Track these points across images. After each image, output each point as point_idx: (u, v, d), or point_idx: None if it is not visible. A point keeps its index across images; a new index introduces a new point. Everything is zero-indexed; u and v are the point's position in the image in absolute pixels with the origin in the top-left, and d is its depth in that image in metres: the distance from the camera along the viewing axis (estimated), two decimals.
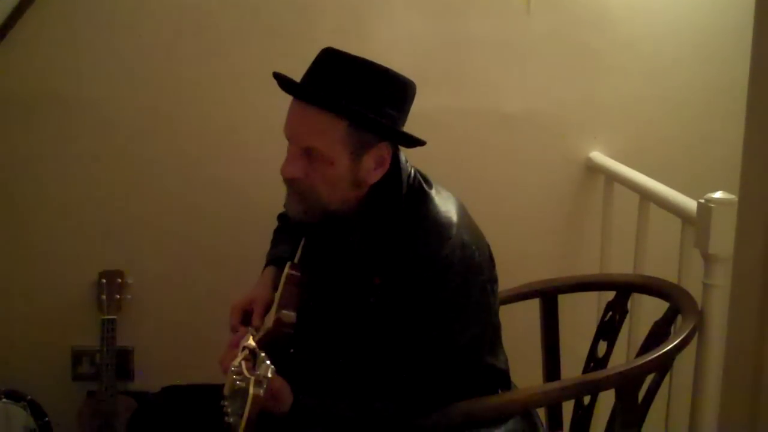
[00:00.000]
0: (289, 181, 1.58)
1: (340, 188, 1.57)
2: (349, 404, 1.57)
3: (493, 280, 1.67)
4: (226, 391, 1.47)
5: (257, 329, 1.65)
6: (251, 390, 1.33)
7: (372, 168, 1.57)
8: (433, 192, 1.64)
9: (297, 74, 1.60)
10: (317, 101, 1.53)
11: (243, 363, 1.41)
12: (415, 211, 1.60)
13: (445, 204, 1.63)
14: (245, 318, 1.71)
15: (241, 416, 1.34)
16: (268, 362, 1.37)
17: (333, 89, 1.52)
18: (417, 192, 1.62)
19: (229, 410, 1.43)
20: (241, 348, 1.48)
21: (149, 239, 2.50)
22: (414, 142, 1.60)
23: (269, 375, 1.35)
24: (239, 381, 1.38)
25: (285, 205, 1.64)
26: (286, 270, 1.68)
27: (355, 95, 1.52)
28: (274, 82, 1.61)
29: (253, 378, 1.34)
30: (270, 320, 1.64)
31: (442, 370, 1.58)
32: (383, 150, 1.57)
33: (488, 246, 1.68)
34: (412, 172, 1.65)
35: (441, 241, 1.56)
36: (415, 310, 1.55)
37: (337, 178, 1.55)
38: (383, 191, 1.60)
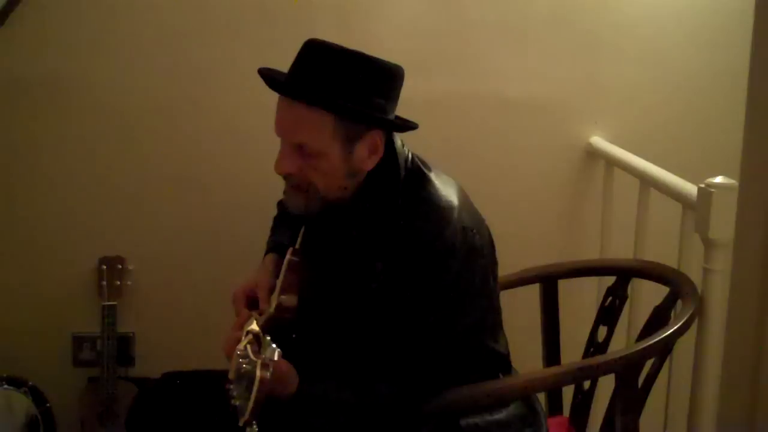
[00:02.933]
0: (286, 177, 1.58)
1: (337, 178, 1.56)
2: (350, 389, 1.57)
3: (494, 263, 1.67)
4: (231, 375, 1.47)
5: (262, 313, 1.65)
6: (258, 373, 1.33)
7: (366, 156, 1.57)
8: (432, 175, 1.63)
9: None
10: (303, 97, 1.51)
11: (248, 347, 1.42)
12: (416, 194, 1.59)
13: (445, 187, 1.62)
14: (249, 303, 1.71)
15: (248, 399, 1.34)
16: (273, 345, 1.37)
17: (318, 83, 1.51)
18: (416, 175, 1.61)
19: (234, 393, 1.43)
20: (245, 332, 1.49)
21: (149, 225, 2.50)
22: (405, 126, 1.59)
23: (275, 358, 1.35)
24: (245, 364, 1.38)
25: (285, 200, 1.64)
26: (287, 256, 1.68)
27: (341, 88, 1.51)
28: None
29: (259, 361, 1.35)
30: (271, 306, 1.64)
31: (444, 354, 1.58)
32: (375, 137, 1.56)
33: (488, 230, 1.67)
34: (410, 156, 1.64)
35: (442, 224, 1.55)
36: (417, 295, 1.55)
37: (332, 170, 1.55)
38: (380, 177, 1.60)
